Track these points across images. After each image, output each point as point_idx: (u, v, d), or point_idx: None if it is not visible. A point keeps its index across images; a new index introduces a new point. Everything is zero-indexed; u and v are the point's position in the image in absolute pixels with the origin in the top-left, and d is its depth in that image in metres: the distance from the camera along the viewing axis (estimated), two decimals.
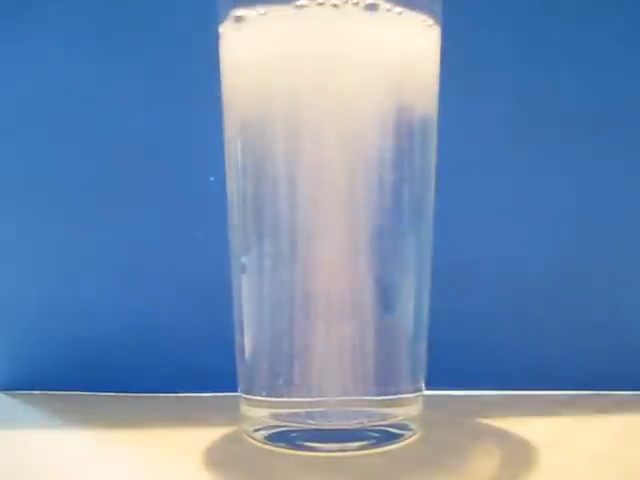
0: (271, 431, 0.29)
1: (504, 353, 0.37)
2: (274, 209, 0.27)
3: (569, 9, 0.36)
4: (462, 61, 0.34)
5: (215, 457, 0.28)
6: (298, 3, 0.26)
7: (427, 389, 0.30)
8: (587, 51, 0.36)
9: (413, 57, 0.28)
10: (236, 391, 0.30)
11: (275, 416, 0.29)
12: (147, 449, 0.29)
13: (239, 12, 0.28)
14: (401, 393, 0.29)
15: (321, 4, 0.26)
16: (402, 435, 0.29)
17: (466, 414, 0.33)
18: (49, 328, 0.39)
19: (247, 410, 0.30)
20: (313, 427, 0.28)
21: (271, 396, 0.29)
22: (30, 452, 0.29)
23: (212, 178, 0.36)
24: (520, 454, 0.28)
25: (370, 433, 0.28)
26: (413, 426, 0.29)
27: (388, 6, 0.27)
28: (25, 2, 0.38)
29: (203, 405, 0.36)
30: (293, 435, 0.28)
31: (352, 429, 0.28)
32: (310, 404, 0.28)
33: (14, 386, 0.39)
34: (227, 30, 0.29)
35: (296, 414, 0.28)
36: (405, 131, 0.28)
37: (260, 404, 0.29)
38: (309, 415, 0.28)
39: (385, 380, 0.28)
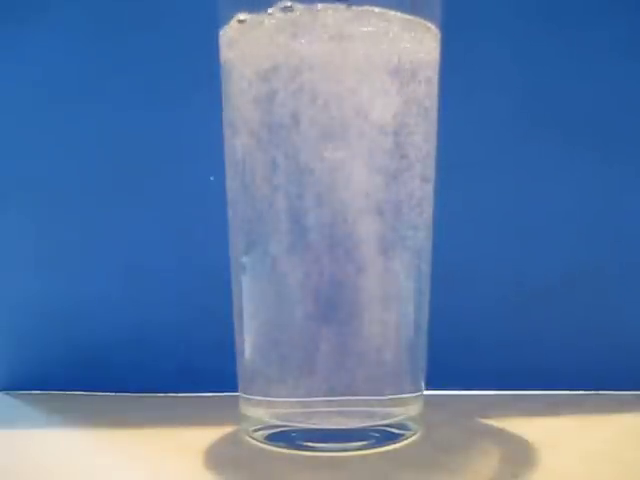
0: (271, 431, 0.29)
1: (504, 353, 0.37)
2: (274, 209, 0.27)
3: (570, 11, 0.36)
4: (462, 62, 0.34)
5: (215, 457, 0.28)
6: (301, 6, 0.26)
7: (427, 389, 0.30)
8: (589, 53, 0.36)
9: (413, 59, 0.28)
10: (236, 391, 0.30)
11: (275, 416, 0.29)
12: (147, 449, 0.29)
13: (241, 15, 0.28)
14: (401, 393, 0.29)
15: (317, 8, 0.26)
16: (402, 435, 0.29)
17: (466, 414, 0.33)
18: (49, 328, 0.39)
19: (247, 410, 0.30)
20: (313, 427, 0.28)
21: (271, 396, 0.29)
22: (30, 452, 0.29)
23: (212, 178, 0.36)
24: (520, 454, 0.28)
25: (370, 433, 0.28)
26: (413, 426, 0.29)
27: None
28: (25, 3, 0.38)
29: (203, 405, 0.36)
30: (293, 435, 0.28)
31: (352, 429, 0.28)
32: (310, 404, 0.28)
33: (14, 386, 0.39)
34: (228, 32, 0.29)
35: (296, 414, 0.28)
36: (406, 132, 0.28)
37: (260, 404, 0.29)
38: (309, 415, 0.28)
39: (385, 380, 0.28)
